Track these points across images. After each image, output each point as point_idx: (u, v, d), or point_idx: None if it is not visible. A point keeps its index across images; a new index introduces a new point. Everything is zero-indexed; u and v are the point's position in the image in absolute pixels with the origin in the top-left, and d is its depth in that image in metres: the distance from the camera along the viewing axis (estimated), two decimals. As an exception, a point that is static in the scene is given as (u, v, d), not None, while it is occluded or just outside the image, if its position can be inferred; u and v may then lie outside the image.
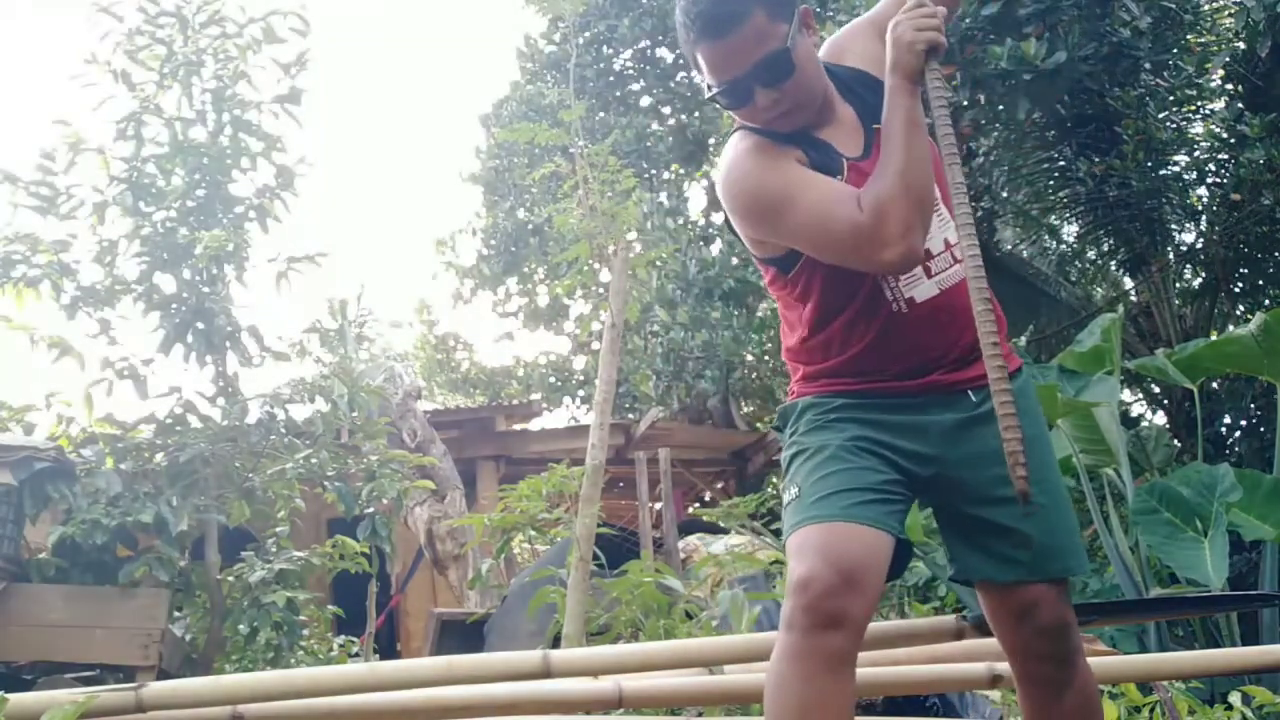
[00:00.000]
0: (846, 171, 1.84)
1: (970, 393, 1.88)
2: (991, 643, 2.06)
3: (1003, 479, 1.81)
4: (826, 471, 1.80)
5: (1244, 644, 3.89)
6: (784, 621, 1.70)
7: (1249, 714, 2.81)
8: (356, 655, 5.79)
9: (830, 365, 1.91)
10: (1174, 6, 5.71)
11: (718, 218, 11.57)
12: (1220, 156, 6.14)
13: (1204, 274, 6.79)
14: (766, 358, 10.09)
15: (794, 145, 1.85)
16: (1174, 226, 6.51)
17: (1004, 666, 2.30)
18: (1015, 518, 1.82)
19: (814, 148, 1.85)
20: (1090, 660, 2.55)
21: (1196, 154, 6.33)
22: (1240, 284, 6.70)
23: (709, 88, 1.84)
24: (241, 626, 4.45)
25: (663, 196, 10.60)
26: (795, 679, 1.65)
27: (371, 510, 4.96)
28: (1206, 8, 6.30)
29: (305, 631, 4.98)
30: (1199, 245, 6.57)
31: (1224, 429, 6.08)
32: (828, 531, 1.72)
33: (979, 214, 6.30)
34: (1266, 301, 6.28)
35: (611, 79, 12.08)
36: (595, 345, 12.10)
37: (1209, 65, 5.96)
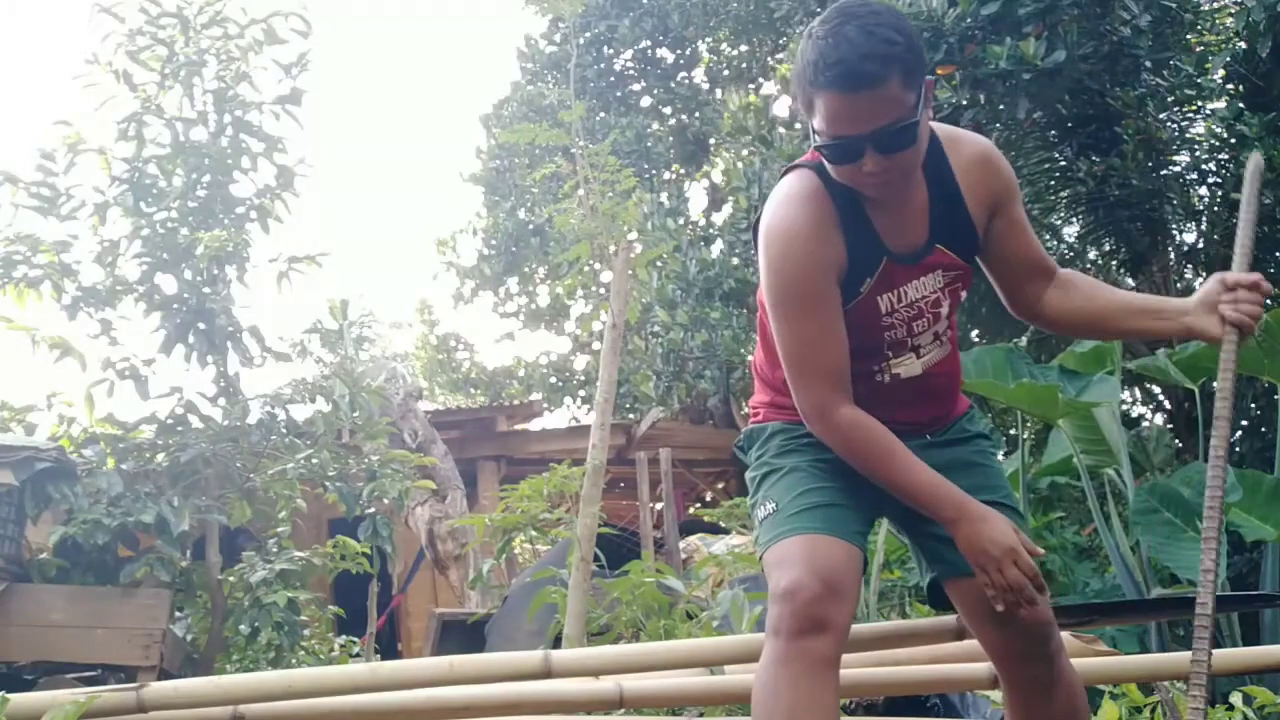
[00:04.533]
0: (880, 267, 1.84)
1: (928, 435, 1.98)
2: (992, 643, 2.05)
3: (967, 488, 1.87)
4: (804, 489, 1.87)
5: (1245, 644, 3.89)
6: (770, 628, 1.75)
7: (1250, 714, 2.81)
8: (357, 655, 5.80)
9: None
10: (1174, 6, 5.70)
11: (718, 218, 11.57)
12: (1221, 156, 6.14)
13: (1205, 274, 6.78)
14: (767, 358, 10.04)
15: (843, 234, 1.82)
16: (1175, 226, 6.51)
17: (1005, 666, 2.29)
18: None
19: (859, 238, 1.83)
20: (1091, 660, 2.56)
21: (1197, 154, 6.32)
22: (1241, 284, 6.69)
23: (817, 135, 1.75)
24: (243, 627, 4.46)
25: (663, 197, 10.59)
26: (783, 683, 1.69)
27: (372, 510, 4.97)
28: (1206, 7, 6.29)
29: (306, 632, 4.99)
30: (1200, 245, 6.56)
31: (1225, 429, 6.07)
32: (809, 543, 1.79)
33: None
34: (1268, 302, 6.28)
35: (612, 79, 12.08)
36: (596, 345, 12.10)
37: (1209, 65, 5.96)
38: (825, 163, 1.79)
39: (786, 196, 1.85)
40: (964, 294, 1.97)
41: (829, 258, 1.81)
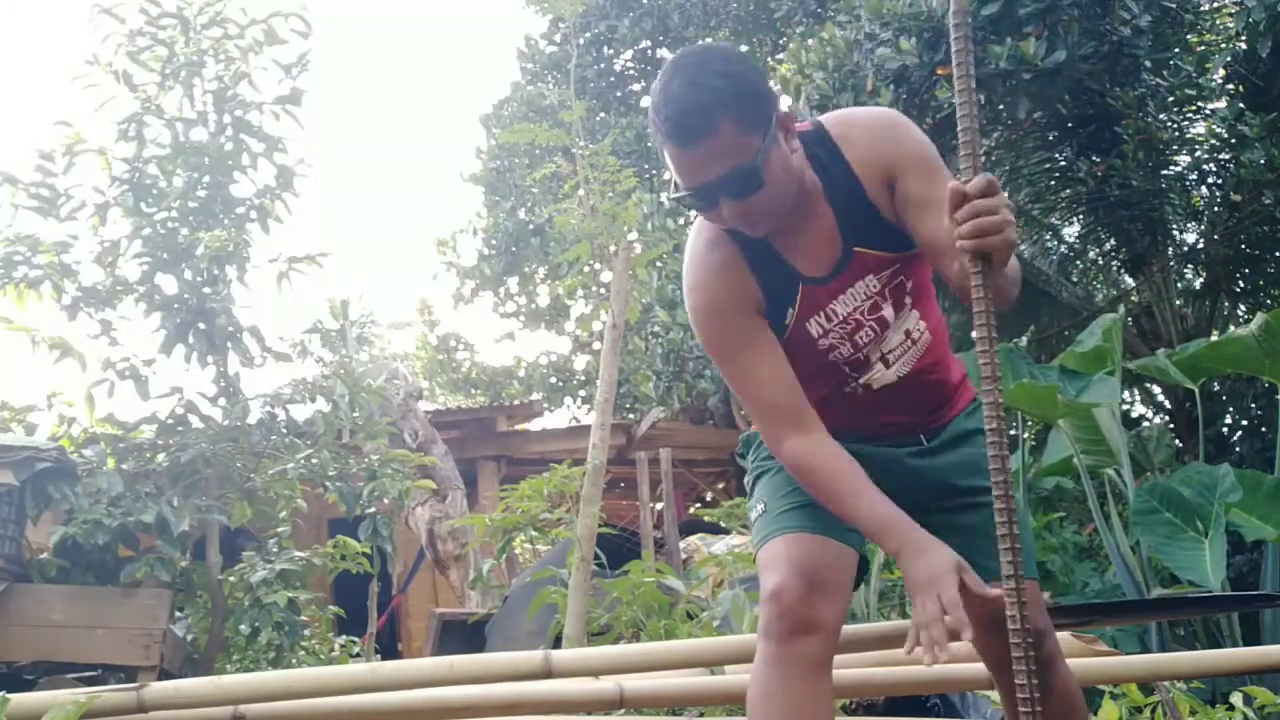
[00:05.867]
0: (800, 294, 1.80)
1: (923, 436, 1.93)
2: (992, 643, 2.05)
3: (957, 490, 1.87)
4: (792, 487, 1.86)
5: (1245, 644, 3.89)
6: (760, 631, 1.75)
7: (1250, 714, 2.81)
8: (358, 655, 5.80)
9: None
10: (1174, 6, 5.70)
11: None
12: (1221, 156, 6.14)
13: (1205, 274, 6.79)
14: (767, 358, 10.04)
15: (753, 273, 1.79)
16: (1175, 226, 6.51)
17: (1005, 666, 2.29)
18: (971, 523, 1.85)
19: (771, 272, 1.79)
20: (1092, 661, 2.55)
21: (1197, 154, 6.32)
22: (1241, 284, 6.69)
23: (675, 186, 1.74)
24: (243, 627, 4.46)
25: (663, 197, 10.58)
26: (776, 687, 1.70)
27: (373, 510, 4.97)
28: (1207, 7, 6.29)
29: (306, 632, 4.99)
30: (1200, 245, 6.56)
31: (1225, 429, 6.08)
32: (795, 542, 1.79)
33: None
34: (1268, 301, 6.28)
35: (612, 79, 12.07)
36: (596, 345, 12.10)
37: (1209, 65, 5.96)
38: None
39: (692, 248, 1.85)
40: (912, 280, 1.83)
41: (743, 298, 1.79)
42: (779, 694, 1.69)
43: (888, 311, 1.82)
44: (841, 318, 1.81)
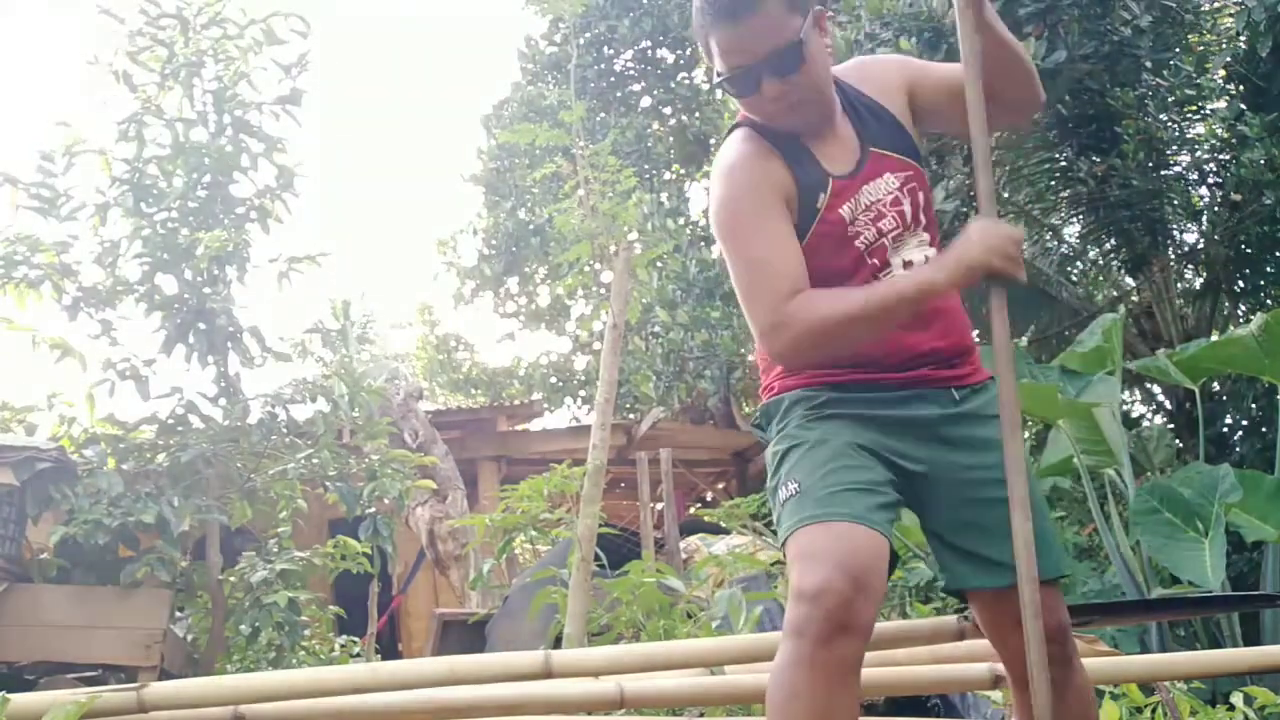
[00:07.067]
0: (830, 188, 1.88)
1: (954, 390, 1.91)
2: (993, 643, 2.05)
3: (989, 481, 1.83)
4: (830, 468, 1.77)
5: (1245, 644, 3.89)
6: (793, 628, 1.66)
7: (1251, 714, 2.81)
8: (358, 656, 5.80)
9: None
10: (1174, 6, 5.71)
11: (718, 218, 11.54)
12: (1221, 156, 6.14)
13: (1205, 274, 6.79)
14: (767, 358, 10.04)
15: (785, 162, 1.87)
16: (1175, 227, 6.51)
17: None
18: (1000, 520, 1.79)
19: (802, 164, 1.88)
20: (1092, 661, 2.55)
21: (1197, 154, 6.32)
22: (1241, 284, 6.69)
23: (717, 74, 1.86)
24: (243, 627, 4.46)
25: (663, 197, 10.59)
26: (809, 687, 1.62)
27: (373, 510, 4.97)
28: (1207, 7, 6.30)
29: (307, 632, 4.99)
30: (1200, 245, 6.57)
31: (1225, 429, 6.08)
32: (837, 534, 1.69)
33: (978, 215, 6.30)
34: (1268, 302, 6.28)
35: (612, 80, 12.08)
36: (596, 345, 12.11)
37: (1209, 65, 5.96)
38: (738, 102, 1.90)
39: (725, 146, 1.94)
40: (923, 194, 1.97)
41: (774, 180, 1.86)
42: (809, 696, 1.62)
43: (907, 208, 1.93)
44: (866, 205, 1.90)
